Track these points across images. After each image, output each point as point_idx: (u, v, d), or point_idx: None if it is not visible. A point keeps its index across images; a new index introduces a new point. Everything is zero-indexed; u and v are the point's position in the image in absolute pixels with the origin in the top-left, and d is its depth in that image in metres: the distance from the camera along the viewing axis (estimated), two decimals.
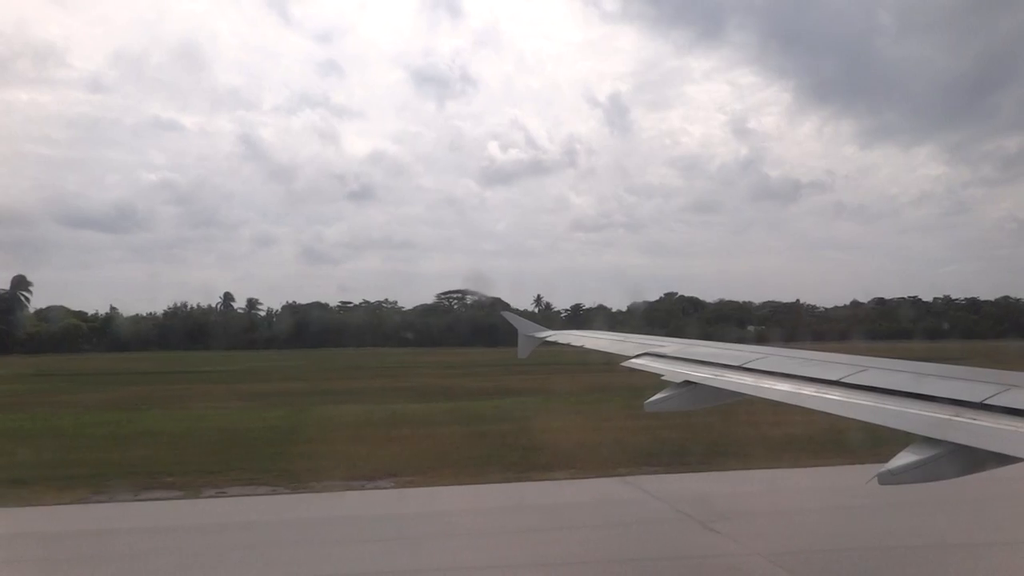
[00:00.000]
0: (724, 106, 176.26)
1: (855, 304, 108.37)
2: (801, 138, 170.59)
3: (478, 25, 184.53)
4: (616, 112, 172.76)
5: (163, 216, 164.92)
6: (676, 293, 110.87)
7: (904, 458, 3.58)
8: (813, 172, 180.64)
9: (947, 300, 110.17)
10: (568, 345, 10.76)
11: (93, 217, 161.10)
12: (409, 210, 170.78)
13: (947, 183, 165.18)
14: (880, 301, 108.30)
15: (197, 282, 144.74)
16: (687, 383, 6.19)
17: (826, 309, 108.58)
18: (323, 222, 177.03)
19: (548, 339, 11.86)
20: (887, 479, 3.54)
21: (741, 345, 7.56)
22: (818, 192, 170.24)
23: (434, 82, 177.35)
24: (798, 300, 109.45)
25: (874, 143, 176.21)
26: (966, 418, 3.66)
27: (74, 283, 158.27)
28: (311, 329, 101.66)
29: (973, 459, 3.45)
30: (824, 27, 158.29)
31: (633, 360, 7.66)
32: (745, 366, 6.00)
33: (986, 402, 3.71)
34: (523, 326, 12.64)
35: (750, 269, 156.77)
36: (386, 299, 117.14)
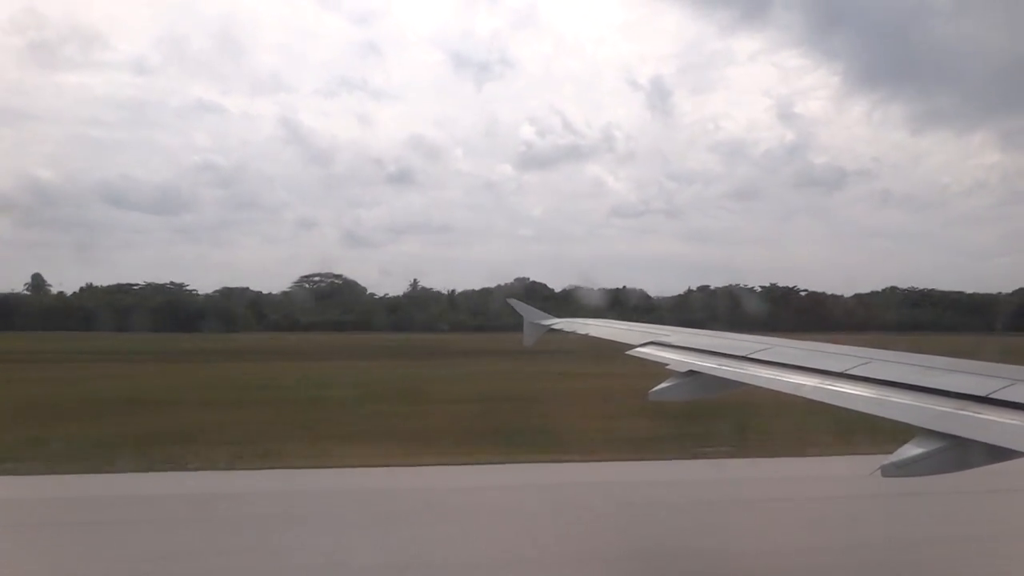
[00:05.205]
0: (769, 90, 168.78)
1: (688, 292, 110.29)
2: (849, 123, 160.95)
3: (517, 5, 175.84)
4: (657, 95, 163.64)
5: (207, 198, 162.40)
6: (527, 278, 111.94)
7: (908, 451, 3.56)
8: (860, 159, 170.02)
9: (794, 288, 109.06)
10: (574, 333, 10.72)
11: (140, 198, 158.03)
12: (447, 194, 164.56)
13: (1002, 171, 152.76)
14: (703, 289, 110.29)
15: (241, 263, 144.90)
16: (691, 372, 6.20)
17: (652, 296, 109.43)
18: (363, 206, 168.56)
19: (554, 327, 11.78)
20: (891, 472, 3.52)
21: (746, 335, 7.54)
22: (865, 180, 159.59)
23: (472, 64, 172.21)
24: (623, 286, 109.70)
25: (925, 129, 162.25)
26: (971, 412, 3.65)
27: (122, 263, 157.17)
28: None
29: (977, 453, 3.44)
30: (875, 7, 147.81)
31: (638, 349, 7.66)
32: (750, 356, 5.99)
33: (991, 396, 3.70)
34: (529, 313, 12.51)
35: (791, 257, 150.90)
36: (171, 281, 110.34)
